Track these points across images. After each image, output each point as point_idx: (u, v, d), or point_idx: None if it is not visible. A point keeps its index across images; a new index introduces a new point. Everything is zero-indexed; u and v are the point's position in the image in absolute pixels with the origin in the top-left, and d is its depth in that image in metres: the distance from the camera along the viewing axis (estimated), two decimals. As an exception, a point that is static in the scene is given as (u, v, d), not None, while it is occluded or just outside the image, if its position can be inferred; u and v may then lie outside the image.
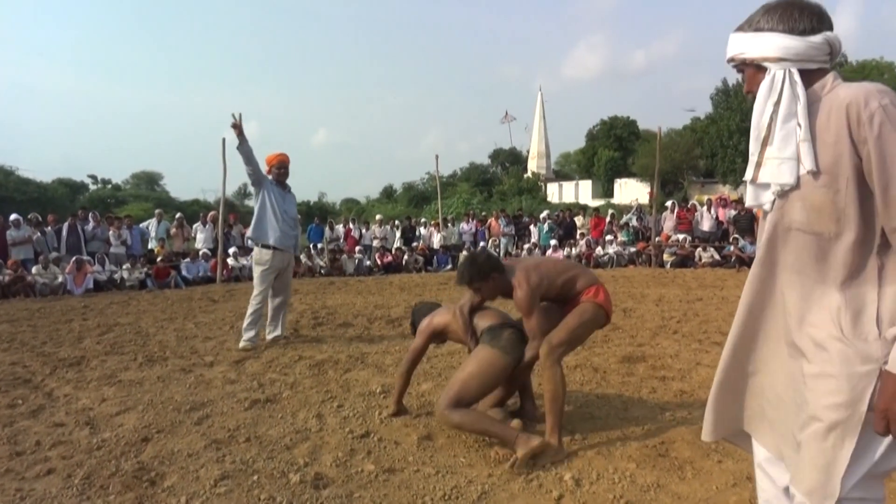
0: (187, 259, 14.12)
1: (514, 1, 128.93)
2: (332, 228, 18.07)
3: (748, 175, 1.68)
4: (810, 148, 1.53)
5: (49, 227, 13.79)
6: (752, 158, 1.66)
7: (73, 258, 12.29)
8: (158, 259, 13.91)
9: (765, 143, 1.63)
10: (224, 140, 13.68)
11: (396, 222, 19.46)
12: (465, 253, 17.05)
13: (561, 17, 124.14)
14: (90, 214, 14.46)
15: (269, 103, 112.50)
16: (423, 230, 18.85)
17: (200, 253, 14.47)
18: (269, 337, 6.22)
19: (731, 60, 1.70)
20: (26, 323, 7.92)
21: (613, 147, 49.10)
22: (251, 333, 5.99)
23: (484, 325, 3.51)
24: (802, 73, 1.58)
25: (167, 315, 8.48)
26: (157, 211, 16.70)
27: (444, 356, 5.31)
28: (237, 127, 5.86)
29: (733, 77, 41.04)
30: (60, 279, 11.92)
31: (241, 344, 5.95)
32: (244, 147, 5.90)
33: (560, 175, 56.92)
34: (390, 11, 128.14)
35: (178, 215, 16.71)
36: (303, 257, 15.44)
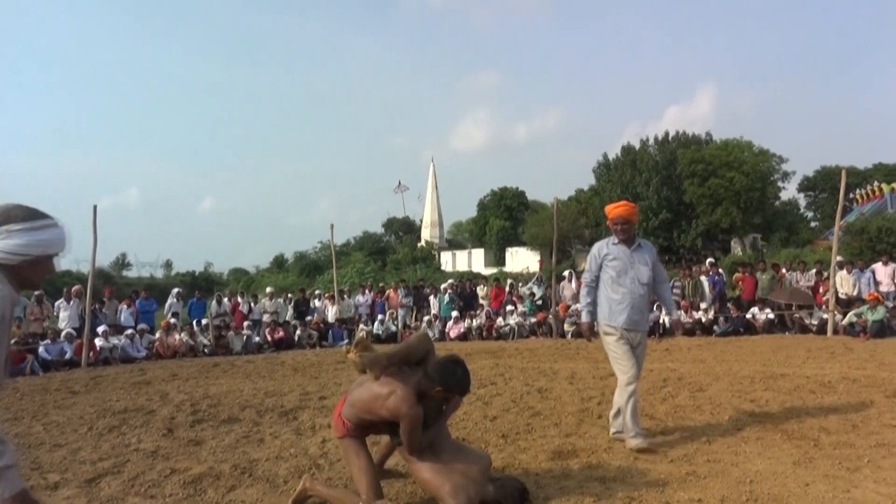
0: (47, 340, 12.46)
1: (399, 74, 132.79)
2: (219, 302, 16.63)
3: None
4: None
5: None
6: None
7: None
8: (12, 342, 12.20)
9: None
10: (95, 207, 12.40)
11: (289, 295, 18.36)
12: (362, 327, 16.23)
13: (446, 92, 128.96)
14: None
15: (149, 169, 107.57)
16: (317, 302, 17.89)
17: (63, 333, 12.83)
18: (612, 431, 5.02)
19: None
20: None
21: (504, 216, 50.35)
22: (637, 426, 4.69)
23: None
24: None
25: (11, 413, 7.14)
26: (10, 286, 14.65)
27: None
28: None
29: (613, 152, 43.57)
30: None
31: (636, 443, 4.57)
32: None
33: (453, 244, 57.43)
34: (278, 78, 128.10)
35: (36, 292, 14.89)
36: (184, 335, 14.09)
